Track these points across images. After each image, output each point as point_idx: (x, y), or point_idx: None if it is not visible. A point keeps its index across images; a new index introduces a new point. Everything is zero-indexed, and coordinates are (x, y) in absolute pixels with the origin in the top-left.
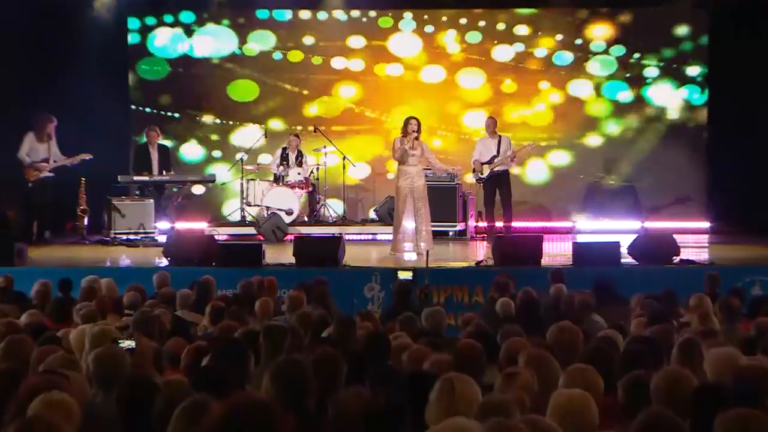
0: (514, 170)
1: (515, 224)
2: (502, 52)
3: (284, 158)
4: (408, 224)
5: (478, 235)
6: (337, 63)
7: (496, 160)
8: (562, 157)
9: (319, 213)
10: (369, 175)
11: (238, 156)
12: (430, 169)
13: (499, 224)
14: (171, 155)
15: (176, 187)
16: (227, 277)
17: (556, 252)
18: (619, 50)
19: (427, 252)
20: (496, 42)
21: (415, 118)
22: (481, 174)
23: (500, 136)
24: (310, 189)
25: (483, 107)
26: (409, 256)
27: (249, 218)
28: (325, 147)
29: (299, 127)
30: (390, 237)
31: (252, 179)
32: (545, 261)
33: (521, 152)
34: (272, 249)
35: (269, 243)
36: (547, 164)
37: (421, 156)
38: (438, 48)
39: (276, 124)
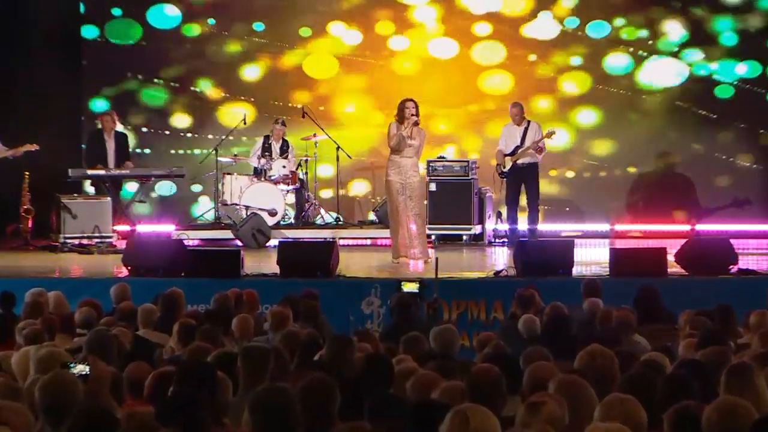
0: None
1: (542, 227)
2: (535, 27)
3: (267, 149)
4: (412, 226)
5: (497, 240)
6: (334, 29)
7: (519, 151)
8: (600, 146)
9: (308, 214)
10: (368, 168)
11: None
12: (440, 162)
13: (522, 227)
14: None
15: (138, 182)
16: (199, 289)
17: (591, 260)
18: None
19: (436, 259)
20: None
21: (411, 100)
22: (504, 167)
23: (528, 123)
24: (298, 185)
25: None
26: (416, 265)
27: (225, 220)
28: (315, 135)
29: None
30: None
31: (228, 173)
32: (577, 270)
33: (541, 142)
34: (252, 256)
35: (249, 249)
36: (580, 154)
37: (419, 147)
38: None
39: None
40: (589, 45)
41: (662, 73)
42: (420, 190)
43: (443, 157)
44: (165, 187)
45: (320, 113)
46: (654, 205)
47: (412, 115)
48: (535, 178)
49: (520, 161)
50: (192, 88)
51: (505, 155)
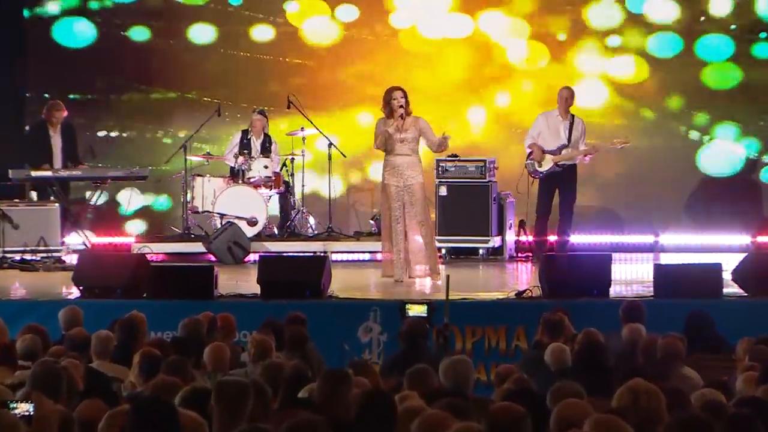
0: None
1: (574, 238)
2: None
3: (245, 145)
4: (416, 237)
5: (520, 255)
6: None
7: (564, 151)
8: (645, 141)
9: (294, 222)
10: (367, 165)
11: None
12: (452, 162)
13: (551, 238)
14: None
15: (92, 185)
16: (164, 313)
17: (631, 278)
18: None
19: (447, 277)
20: None
21: (399, 89)
22: (539, 166)
23: (573, 117)
24: (282, 189)
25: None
26: (422, 284)
27: (195, 230)
28: (303, 129)
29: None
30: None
31: (199, 175)
32: (616, 291)
33: (607, 148)
34: (228, 273)
35: (224, 265)
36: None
37: (415, 139)
38: None
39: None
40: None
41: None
42: (423, 193)
43: (455, 156)
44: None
45: (309, 102)
46: (708, 212)
47: (400, 106)
48: (573, 182)
49: (562, 162)
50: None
51: (545, 152)
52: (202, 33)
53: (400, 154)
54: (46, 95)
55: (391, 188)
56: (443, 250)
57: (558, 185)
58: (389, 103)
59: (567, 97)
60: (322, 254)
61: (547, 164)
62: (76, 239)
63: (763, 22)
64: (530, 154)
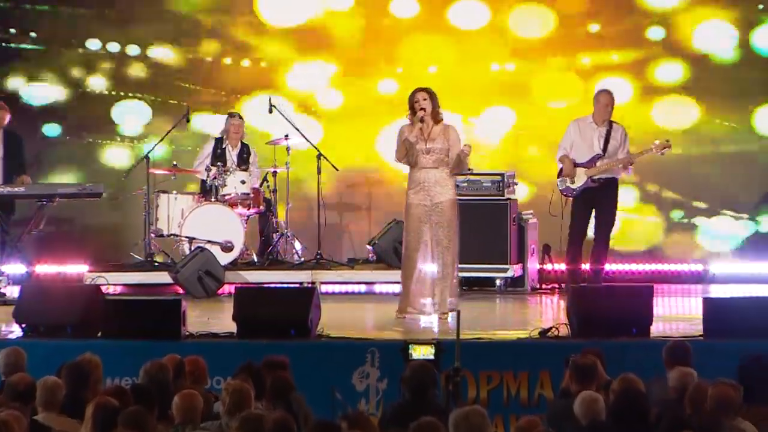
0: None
1: (609, 267)
2: None
3: (219, 156)
4: (426, 267)
5: (544, 286)
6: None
7: (599, 163)
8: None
9: (277, 248)
10: (362, 184)
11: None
12: (464, 175)
13: (584, 266)
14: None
15: (38, 203)
16: (123, 355)
17: (677, 314)
18: None
19: (458, 314)
20: None
21: (423, 90)
22: (571, 182)
23: (611, 124)
24: (263, 208)
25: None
26: (428, 321)
27: (160, 257)
28: (287, 137)
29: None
30: (399, 288)
31: (164, 191)
32: (658, 329)
33: (644, 157)
34: (199, 308)
35: (194, 298)
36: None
37: (444, 151)
38: None
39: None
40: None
41: None
42: (454, 214)
43: (469, 170)
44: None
45: (295, 105)
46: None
47: (422, 109)
48: (611, 200)
49: (598, 176)
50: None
51: (577, 165)
52: None
53: (426, 168)
54: None
55: (418, 208)
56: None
57: (594, 204)
58: (412, 107)
59: (606, 103)
60: (309, 286)
61: (581, 180)
62: (17, 268)
63: None
64: (560, 172)
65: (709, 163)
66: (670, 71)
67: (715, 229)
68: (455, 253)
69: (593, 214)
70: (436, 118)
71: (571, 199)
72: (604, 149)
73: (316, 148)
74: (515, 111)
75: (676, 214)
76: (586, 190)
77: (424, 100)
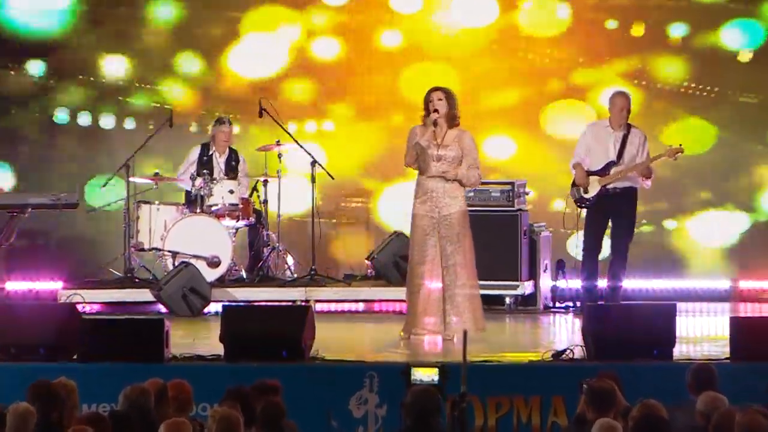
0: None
1: (628, 283)
2: None
3: (205, 164)
4: (432, 284)
5: (557, 304)
6: None
7: (614, 170)
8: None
9: (268, 263)
10: (361, 194)
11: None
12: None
13: (600, 282)
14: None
15: (9, 215)
16: (101, 379)
17: (702, 334)
18: None
19: (465, 334)
20: None
21: (441, 89)
22: (585, 192)
23: (629, 128)
24: (252, 220)
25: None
26: (433, 342)
27: (141, 273)
28: (279, 143)
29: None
30: (401, 307)
31: (146, 201)
32: (681, 351)
33: (657, 162)
34: (183, 328)
35: (178, 317)
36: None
37: (458, 159)
38: None
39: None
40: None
41: None
42: (462, 227)
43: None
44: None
45: (286, 109)
46: None
47: (435, 110)
48: (629, 211)
49: (612, 185)
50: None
51: (590, 173)
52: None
53: (435, 176)
54: None
55: (423, 219)
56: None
57: (611, 215)
58: (426, 107)
59: (621, 106)
60: (303, 304)
61: (594, 188)
62: None
63: None
64: (574, 182)
65: None
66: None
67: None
68: (469, 269)
69: (609, 226)
70: (452, 122)
71: (582, 209)
72: (619, 155)
73: (310, 154)
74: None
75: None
76: (601, 200)
77: (439, 100)
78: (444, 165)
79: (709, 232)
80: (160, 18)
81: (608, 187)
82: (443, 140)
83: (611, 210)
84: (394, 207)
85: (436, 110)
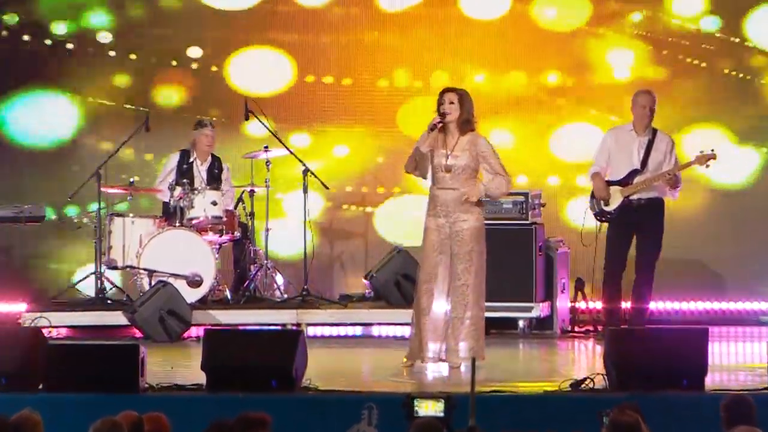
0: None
1: (654, 305)
2: None
3: (185, 172)
4: (439, 306)
5: (576, 328)
6: None
7: (637, 179)
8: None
9: (255, 283)
10: (359, 202)
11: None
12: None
13: (624, 304)
14: None
15: None
16: (69, 411)
17: (737, 362)
18: None
19: (473, 362)
20: None
21: (454, 91)
22: (605, 204)
23: (655, 132)
24: (238, 235)
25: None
26: (438, 370)
27: (114, 294)
28: (267, 149)
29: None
30: (403, 331)
31: (119, 214)
32: (714, 380)
33: (685, 170)
34: (161, 355)
35: (154, 343)
36: (710, 184)
37: (470, 169)
38: None
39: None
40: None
41: None
42: (475, 244)
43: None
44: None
45: (277, 111)
46: None
47: (442, 114)
48: (655, 224)
49: (636, 196)
50: None
51: (611, 183)
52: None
53: (444, 188)
54: None
55: (432, 234)
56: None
57: (635, 229)
58: (439, 108)
59: (645, 104)
60: (294, 328)
61: (616, 200)
62: None
63: None
64: (593, 194)
65: None
66: None
67: None
68: (478, 291)
69: (634, 242)
70: (465, 128)
71: (603, 222)
72: (643, 163)
73: (301, 161)
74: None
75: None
76: (624, 213)
77: (451, 103)
78: (454, 176)
79: None
80: None
81: (632, 198)
82: (454, 148)
83: (635, 223)
84: (397, 220)
85: (443, 114)
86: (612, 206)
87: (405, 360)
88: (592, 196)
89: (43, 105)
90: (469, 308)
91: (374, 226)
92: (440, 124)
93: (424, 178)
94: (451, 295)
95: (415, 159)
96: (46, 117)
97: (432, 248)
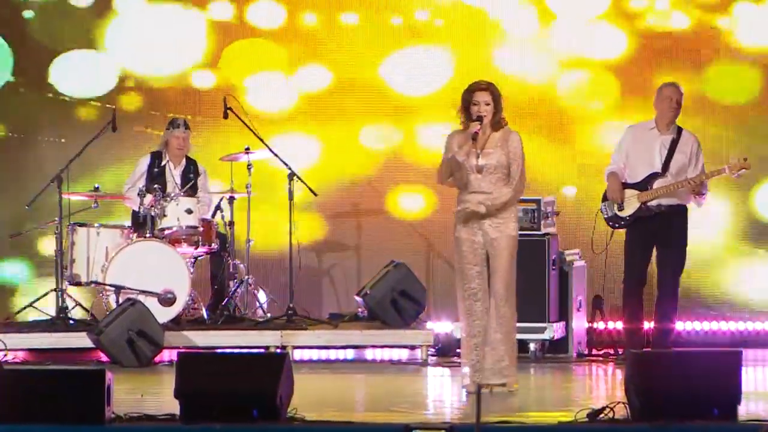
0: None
1: (682, 325)
2: None
3: (156, 177)
4: (473, 323)
5: (594, 351)
6: None
7: (657, 183)
8: None
9: (235, 300)
10: (350, 213)
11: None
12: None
13: (647, 324)
14: None
15: None
16: None
17: None
18: None
19: (479, 389)
20: None
21: (487, 89)
22: (619, 209)
23: (680, 131)
24: (215, 246)
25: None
26: (437, 396)
27: (77, 312)
28: (248, 150)
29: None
30: (400, 354)
31: (83, 224)
32: (749, 409)
33: (714, 176)
34: (129, 381)
35: (122, 368)
36: (740, 196)
37: (502, 167)
38: None
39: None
40: None
41: None
42: (511, 254)
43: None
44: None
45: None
46: None
47: (478, 118)
48: (679, 235)
49: (655, 202)
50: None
51: (627, 186)
52: None
53: (478, 191)
54: None
55: (464, 244)
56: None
57: (655, 239)
58: (467, 108)
59: (672, 95)
60: (278, 351)
61: (632, 206)
62: None
63: None
64: (605, 195)
65: None
66: None
67: None
68: (512, 305)
69: (655, 253)
70: (497, 126)
71: (624, 229)
72: (665, 165)
73: (286, 164)
74: None
75: None
76: (642, 221)
77: (487, 104)
78: (487, 177)
79: None
80: None
81: (650, 204)
82: (485, 146)
83: (655, 233)
84: (392, 230)
85: (479, 118)
86: (627, 212)
87: (466, 385)
88: (605, 198)
89: None
90: (508, 327)
91: (368, 237)
92: (478, 130)
93: (463, 187)
94: (487, 311)
95: (451, 168)
96: None
97: (466, 260)
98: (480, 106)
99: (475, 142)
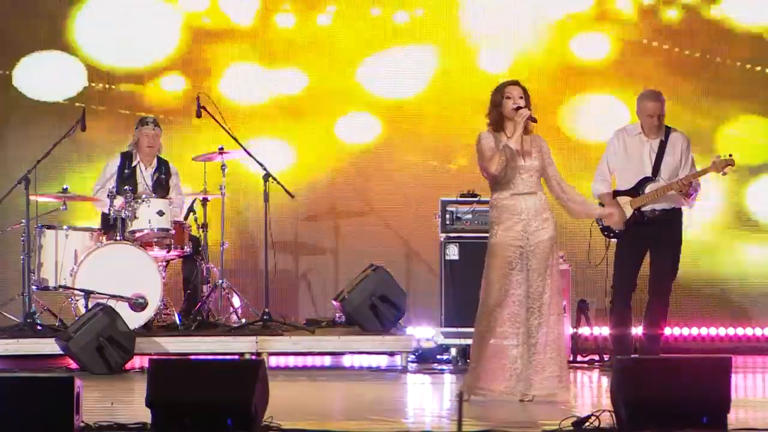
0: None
1: (669, 331)
2: None
3: (126, 178)
4: (513, 335)
5: (579, 358)
6: None
7: (649, 188)
8: None
9: (208, 305)
10: (329, 215)
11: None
12: (466, 205)
13: (635, 330)
14: None
15: None
16: None
17: (764, 396)
18: None
19: (460, 396)
20: None
21: (519, 84)
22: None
23: (668, 132)
24: (188, 249)
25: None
26: (420, 404)
27: (46, 318)
28: (222, 150)
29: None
30: (379, 361)
31: (51, 226)
32: (738, 417)
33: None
34: (99, 389)
35: (91, 375)
36: (735, 194)
37: (539, 170)
38: None
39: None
40: None
41: None
42: (553, 257)
43: (473, 195)
44: None
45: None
46: None
47: (516, 109)
48: (673, 240)
49: (649, 207)
50: None
51: (618, 193)
52: None
53: (522, 193)
54: None
55: (505, 249)
56: (453, 351)
57: (648, 245)
58: (498, 106)
59: (653, 113)
60: (253, 358)
61: (626, 213)
62: None
63: None
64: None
65: None
66: None
67: None
68: (558, 310)
69: (648, 260)
70: (529, 128)
71: (611, 239)
72: (655, 169)
73: (261, 165)
74: None
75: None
76: (636, 227)
77: (521, 98)
78: (529, 177)
79: None
80: None
81: (643, 210)
82: (524, 148)
83: (649, 238)
84: (371, 233)
85: (521, 108)
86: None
87: (464, 391)
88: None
89: None
90: (548, 331)
91: (346, 240)
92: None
93: (504, 185)
94: (528, 316)
95: (506, 156)
96: None
97: (508, 266)
98: (514, 98)
99: (533, 122)
